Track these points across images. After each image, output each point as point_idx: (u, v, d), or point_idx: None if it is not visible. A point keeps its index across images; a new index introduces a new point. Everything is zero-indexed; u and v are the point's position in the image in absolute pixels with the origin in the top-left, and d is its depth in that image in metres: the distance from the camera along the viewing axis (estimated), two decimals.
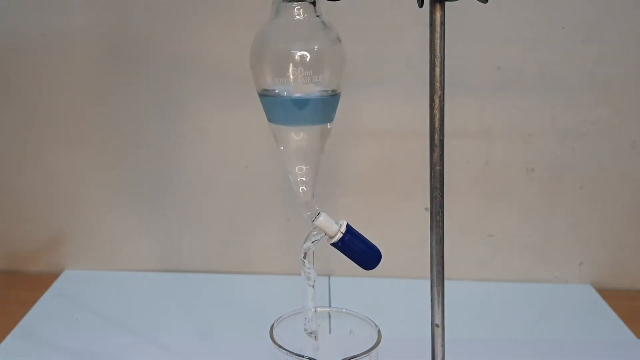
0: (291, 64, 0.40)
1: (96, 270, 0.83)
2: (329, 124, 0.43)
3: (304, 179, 0.43)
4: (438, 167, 0.43)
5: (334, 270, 0.84)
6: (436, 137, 0.42)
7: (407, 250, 0.80)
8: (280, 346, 0.44)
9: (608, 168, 0.80)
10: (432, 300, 0.45)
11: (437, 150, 0.42)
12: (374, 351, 0.45)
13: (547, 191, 0.81)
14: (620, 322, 0.74)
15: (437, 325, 0.46)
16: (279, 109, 0.42)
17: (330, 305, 0.67)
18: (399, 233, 0.81)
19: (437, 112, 0.42)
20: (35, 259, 0.84)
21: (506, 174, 0.80)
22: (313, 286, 0.46)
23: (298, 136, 0.43)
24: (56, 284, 0.80)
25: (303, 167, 0.43)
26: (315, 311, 0.47)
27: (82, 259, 0.84)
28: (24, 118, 0.80)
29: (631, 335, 0.72)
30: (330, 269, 0.84)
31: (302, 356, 0.43)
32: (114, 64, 0.78)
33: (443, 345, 0.46)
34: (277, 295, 0.77)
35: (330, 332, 0.50)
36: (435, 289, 0.45)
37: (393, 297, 0.80)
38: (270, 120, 0.43)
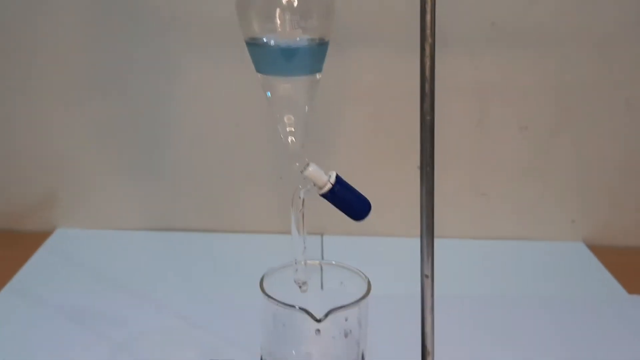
0: (278, 8, 0.39)
1: (88, 229, 0.83)
2: (317, 74, 0.43)
3: (293, 130, 0.43)
4: (429, 117, 0.42)
5: (327, 229, 0.84)
6: (427, 86, 0.41)
7: (399, 209, 0.81)
8: (270, 297, 0.44)
9: (601, 126, 0.80)
10: (421, 251, 0.45)
11: (427, 100, 0.42)
12: (363, 301, 0.45)
13: (541, 149, 0.81)
14: (611, 278, 0.75)
15: (426, 276, 0.46)
16: (267, 58, 0.41)
17: None
18: (392, 192, 0.81)
19: (427, 61, 0.41)
20: (28, 217, 0.84)
21: (500, 132, 0.80)
22: (304, 239, 0.46)
23: (286, 86, 0.42)
24: (48, 242, 0.80)
25: (292, 117, 0.42)
26: (305, 264, 0.47)
27: (74, 218, 0.84)
28: (15, 78, 0.79)
29: (622, 290, 0.72)
30: (323, 228, 0.84)
31: (293, 306, 0.43)
32: (104, 23, 0.77)
33: (432, 296, 0.46)
34: (268, 253, 0.77)
35: (320, 284, 0.50)
36: (424, 240, 0.45)
37: (385, 255, 0.80)
38: (258, 70, 0.42)
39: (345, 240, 0.82)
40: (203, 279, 0.73)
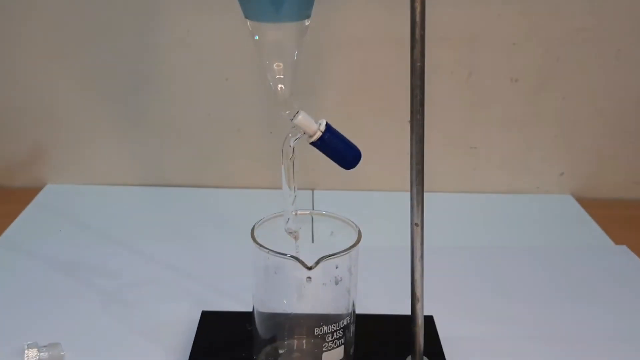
0: None
1: (78, 184, 0.83)
2: (306, 21, 0.42)
3: (282, 77, 0.42)
4: (419, 64, 0.42)
5: (318, 184, 0.84)
6: (417, 31, 0.41)
7: (389, 162, 0.81)
8: (261, 245, 0.44)
9: (592, 78, 0.80)
10: (411, 199, 0.46)
11: (418, 46, 0.42)
12: (353, 249, 0.45)
13: (531, 102, 0.81)
14: (598, 229, 0.76)
15: (416, 225, 0.46)
16: (255, 3, 0.41)
17: None
18: (381, 146, 0.81)
19: (417, 5, 0.40)
20: (17, 173, 0.83)
21: (490, 84, 0.80)
22: (294, 188, 0.46)
23: (275, 33, 0.41)
24: (38, 198, 0.80)
25: (280, 63, 0.42)
26: (296, 214, 0.47)
27: (63, 174, 0.83)
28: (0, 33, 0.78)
29: (609, 241, 0.73)
30: (314, 183, 0.84)
31: (284, 254, 0.44)
32: None
33: (422, 244, 0.47)
34: (259, 208, 0.77)
35: (311, 236, 0.50)
36: (414, 189, 0.45)
37: (376, 208, 0.80)
38: (246, 16, 0.42)
39: (336, 195, 0.83)
40: (194, 232, 0.73)
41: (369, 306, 0.52)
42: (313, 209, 0.79)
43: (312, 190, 0.84)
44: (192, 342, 0.51)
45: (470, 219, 0.79)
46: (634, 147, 0.83)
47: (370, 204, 0.81)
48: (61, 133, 0.82)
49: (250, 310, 0.48)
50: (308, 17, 0.42)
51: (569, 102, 0.81)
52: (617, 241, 0.73)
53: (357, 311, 0.48)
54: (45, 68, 0.79)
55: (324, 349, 0.45)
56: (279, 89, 0.43)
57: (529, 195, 0.84)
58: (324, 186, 0.84)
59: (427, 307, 0.48)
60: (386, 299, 0.58)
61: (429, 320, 0.53)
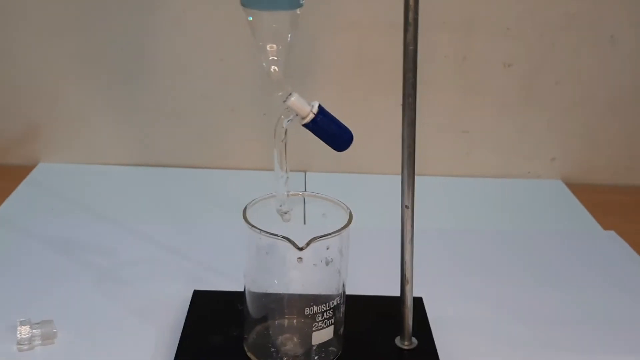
0: None
1: (71, 163, 0.83)
2: (298, 10, 0.42)
3: (275, 58, 0.42)
4: (412, 47, 0.42)
5: (310, 167, 0.84)
6: (410, 15, 0.41)
7: (381, 145, 0.81)
8: (253, 226, 0.45)
9: (585, 63, 0.80)
10: (402, 182, 0.46)
11: (411, 29, 0.42)
12: (344, 231, 0.46)
13: (524, 86, 0.81)
14: (587, 215, 0.77)
15: (407, 207, 0.47)
16: None
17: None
18: (374, 129, 0.81)
19: None
20: (10, 151, 0.83)
21: (484, 69, 0.80)
22: (286, 170, 0.46)
23: (269, 18, 0.42)
24: (31, 176, 0.80)
25: (274, 45, 0.42)
26: (288, 195, 0.48)
27: (56, 152, 0.83)
28: None
29: (597, 226, 0.74)
30: (306, 165, 0.84)
31: (275, 235, 0.44)
32: None
33: (412, 227, 0.47)
34: (252, 189, 0.78)
35: (303, 217, 0.50)
36: (405, 171, 0.46)
37: (367, 191, 0.81)
38: (242, 4, 0.42)
39: (328, 177, 0.83)
40: (187, 212, 0.73)
41: (359, 287, 0.53)
42: (305, 191, 0.79)
43: (305, 172, 0.84)
44: (183, 320, 0.52)
45: (461, 203, 0.79)
46: (625, 133, 0.84)
47: (362, 187, 0.81)
48: (55, 112, 0.82)
49: (242, 290, 0.48)
50: (301, 5, 0.42)
51: (562, 87, 0.81)
52: (606, 227, 0.73)
53: (347, 292, 0.48)
54: (40, 47, 0.79)
55: (314, 329, 0.46)
56: (272, 70, 0.43)
57: (520, 180, 0.85)
58: (316, 168, 0.84)
59: (417, 289, 0.49)
60: (376, 281, 0.59)
61: (418, 302, 0.54)
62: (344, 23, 0.78)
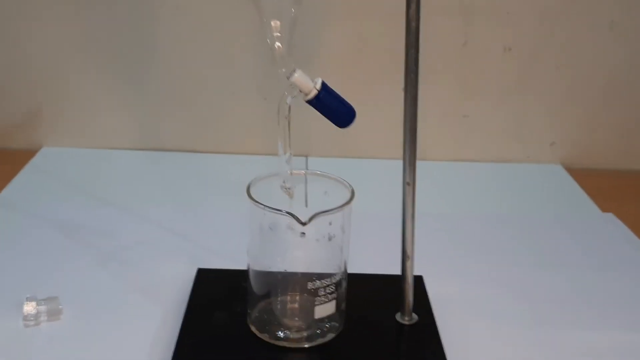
0: None
1: (74, 147, 0.84)
2: None
3: (279, 34, 0.43)
4: (414, 24, 0.43)
5: (312, 151, 0.85)
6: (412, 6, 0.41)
7: (383, 130, 0.81)
8: (256, 201, 0.45)
9: (585, 48, 0.80)
10: (404, 159, 0.47)
11: (413, 5, 0.42)
12: (347, 207, 0.46)
13: (524, 71, 0.81)
14: (586, 198, 0.77)
15: (408, 184, 0.47)
16: None
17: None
18: (376, 114, 0.81)
19: None
20: (13, 135, 0.84)
21: (484, 54, 0.80)
22: (289, 147, 0.47)
23: None
24: (34, 160, 0.80)
25: (278, 21, 0.42)
26: (291, 173, 0.48)
27: (59, 137, 0.84)
28: None
29: (596, 209, 0.75)
30: (308, 149, 0.85)
31: (279, 210, 0.44)
32: None
33: (413, 204, 0.48)
34: (253, 173, 0.78)
35: (305, 197, 0.51)
36: (407, 149, 0.46)
37: (369, 175, 0.81)
38: None
39: (329, 162, 0.84)
40: (190, 195, 0.74)
41: (360, 267, 0.53)
42: (307, 178, 0.80)
43: (306, 157, 0.85)
44: (188, 298, 0.52)
45: (461, 187, 0.80)
46: (624, 117, 0.84)
47: (363, 171, 0.82)
48: (58, 97, 0.82)
49: (245, 268, 0.49)
50: None
51: (562, 71, 0.81)
52: (604, 209, 0.74)
53: (349, 271, 0.49)
54: (42, 32, 0.79)
55: (316, 303, 0.46)
56: (276, 47, 0.43)
57: (520, 164, 0.85)
58: (318, 153, 0.85)
59: (417, 269, 0.50)
60: (378, 261, 0.59)
61: (419, 280, 0.55)
62: (347, 7, 0.78)
